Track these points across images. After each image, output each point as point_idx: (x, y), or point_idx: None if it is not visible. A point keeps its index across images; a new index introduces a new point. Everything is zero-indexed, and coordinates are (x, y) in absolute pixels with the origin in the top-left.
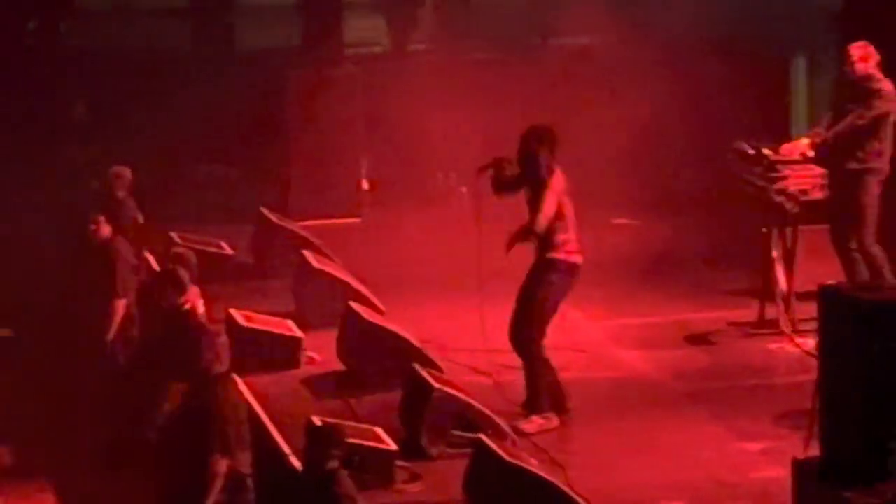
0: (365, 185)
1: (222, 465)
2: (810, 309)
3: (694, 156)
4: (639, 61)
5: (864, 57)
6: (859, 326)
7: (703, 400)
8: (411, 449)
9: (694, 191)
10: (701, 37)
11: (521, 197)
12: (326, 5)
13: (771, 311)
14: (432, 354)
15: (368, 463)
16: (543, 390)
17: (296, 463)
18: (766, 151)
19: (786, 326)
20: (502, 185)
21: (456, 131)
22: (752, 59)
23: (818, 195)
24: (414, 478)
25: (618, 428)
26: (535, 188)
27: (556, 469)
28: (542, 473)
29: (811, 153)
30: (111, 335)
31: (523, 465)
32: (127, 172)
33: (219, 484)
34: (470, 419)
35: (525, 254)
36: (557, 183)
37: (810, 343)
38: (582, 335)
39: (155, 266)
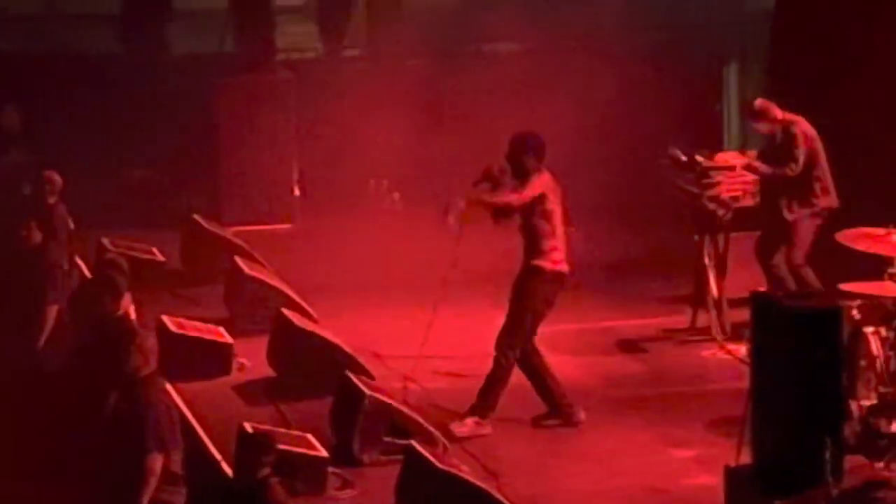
0: (297, 191)
1: (158, 463)
2: (743, 315)
3: (627, 163)
4: (570, 68)
5: (764, 111)
6: (791, 333)
7: (635, 407)
8: (343, 456)
9: (627, 198)
10: (633, 44)
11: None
12: (259, 11)
13: (703, 318)
14: (364, 361)
15: (300, 470)
16: (493, 400)
17: (227, 470)
18: (698, 158)
19: (718, 333)
20: (500, 214)
21: (388, 137)
22: (684, 65)
23: (750, 202)
24: (345, 484)
25: (550, 435)
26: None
27: (487, 476)
28: (473, 480)
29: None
30: (42, 341)
31: (454, 471)
32: (57, 178)
33: (154, 482)
34: (401, 426)
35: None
36: (542, 185)
37: (742, 350)
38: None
39: (86, 272)
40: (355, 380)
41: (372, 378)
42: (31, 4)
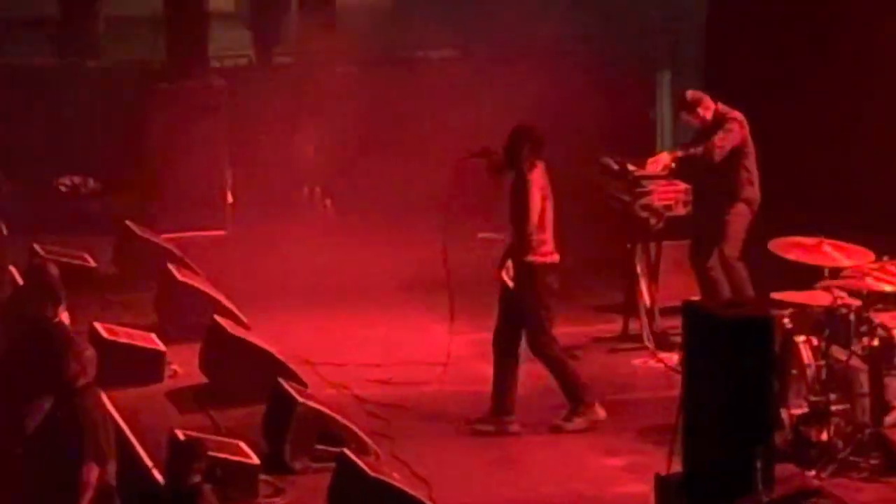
0: (230, 197)
1: (94, 474)
2: (675, 323)
3: (559, 170)
4: (503, 75)
5: (696, 102)
6: (722, 342)
7: None
8: (275, 463)
9: (559, 206)
10: (566, 50)
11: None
12: (191, 17)
13: (635, 326)
14: (296, 368)
15: (231, 477)
16: (579, 391)
17: (159, 477)
18: (630, 167)
19: (649, 342)
20: (494, 168)
21: (321, 144)
22: (617, 72)
23: (682, 211)
24: (277, 492)
25: (480, 442)
26: (518, 181)
27: (418, 483)
28: (404, 488)
29: (673, 165)
30: None
31: (386, 479)
32: None
33: (90, 494)
34: (333, 433)
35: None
36: (538, 178)
37: (674, 358)
38: (445, 349)
39: (18, 278)
40: (287, 387)
41: (304, 385)
42: None
